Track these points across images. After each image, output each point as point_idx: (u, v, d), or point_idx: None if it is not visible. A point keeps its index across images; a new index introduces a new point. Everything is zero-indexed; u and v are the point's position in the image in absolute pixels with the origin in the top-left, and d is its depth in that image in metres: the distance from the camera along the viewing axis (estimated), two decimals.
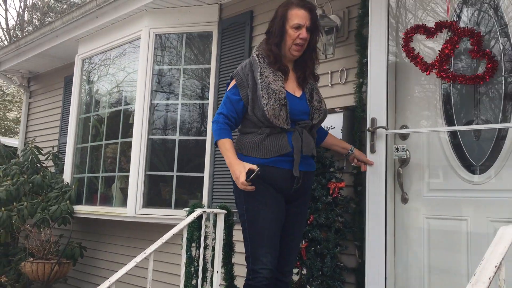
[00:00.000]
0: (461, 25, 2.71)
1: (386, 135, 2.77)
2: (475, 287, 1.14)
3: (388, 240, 2.74)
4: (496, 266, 1.20)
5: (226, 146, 2.29)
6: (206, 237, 2.61)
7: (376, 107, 2.81)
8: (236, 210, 3.14)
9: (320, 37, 2.60)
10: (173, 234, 2.27)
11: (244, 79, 2.34)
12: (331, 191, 2.84)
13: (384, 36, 2.87)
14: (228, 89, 2.42)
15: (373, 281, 2.73)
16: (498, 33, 2.62)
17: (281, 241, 2.32)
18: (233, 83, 2.40)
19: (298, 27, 2.33)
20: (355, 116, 3.02)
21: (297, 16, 2.33)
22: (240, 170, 2.19)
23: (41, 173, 5.39)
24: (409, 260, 2.79)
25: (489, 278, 1.16)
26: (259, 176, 2.19)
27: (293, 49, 2.36)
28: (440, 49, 2.68)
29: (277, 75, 2.34)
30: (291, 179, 2.29)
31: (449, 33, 2.68)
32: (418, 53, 2.76)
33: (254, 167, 2.20)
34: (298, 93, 2.41)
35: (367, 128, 2.82)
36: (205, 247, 2.63)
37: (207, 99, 4.22)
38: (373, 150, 2.80)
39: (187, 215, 2.50)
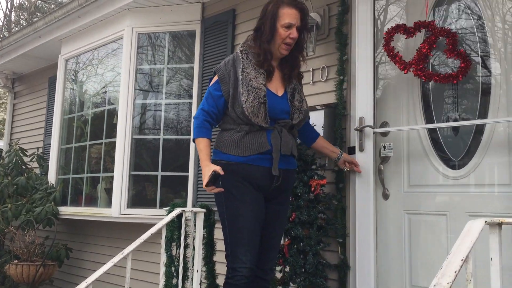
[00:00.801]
0: (438, 23, 2.73)
1: (374, 133, 2.86)
2: (441, 280, 1.15)
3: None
4: (462, 260, 1.21)
5: (200, 146, 2.29)
6: (187, 236, 2.61)
7: (364, 107, 2.90)
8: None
9: (309, 36, 2.61)
10: (152, 234, 2.26)
11: (226, 75, 2.32)
12: (312, 188, 2.84)
13: (370, 37, 2.93)
14: (210, 84, 2.41)
15: (362, 278, 2.77)
16: (475, 31, 2.64)
17: (261, 239, 2.32)
18: (215, 78, 2.38)
19: (288, 26, 2.31)
20: (336, 113, 3.03)
21: (289, 15, 2.31)
22: (205, 173, 2.20)
23: (25, 174, 5.34)
24: (391, 255, 2.80)
25: (455, 272, 1.16)
26: (237, 175, 2.21)
27: (282, 48, 2.35)
28: (418, 48, 2.70)
29: (259, 72, 2.32)
30: (270, 177, 2.28)
31: (427, 33, 2.70)
32: (398, 52, 2.78)
33: (218, 169, 2.17)
34: (280, 92, 2.39)
35: (355, 127, 2.89)
36: (186, 246, 2.62)
37: (191, 98, 4.20)
38: (361, 149, 2.87)
39: (167, 215, 2.49)
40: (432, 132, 2.74)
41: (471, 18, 2.67)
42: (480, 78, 2.60)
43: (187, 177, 4.11)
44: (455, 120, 2.67)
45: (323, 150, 2.75)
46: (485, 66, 2.59)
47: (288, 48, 2.36)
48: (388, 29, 2.81)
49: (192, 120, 4.09)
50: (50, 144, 5.58)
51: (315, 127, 2.84)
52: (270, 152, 2.28)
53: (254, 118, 2.24)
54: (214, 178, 2.16)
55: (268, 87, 2.34)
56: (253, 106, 2.23)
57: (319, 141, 2.71)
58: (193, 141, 2.36)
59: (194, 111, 4.13)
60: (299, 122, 2.40)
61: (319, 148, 2.74)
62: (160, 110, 4.38)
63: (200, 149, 2.29)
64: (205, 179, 2.17)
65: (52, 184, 5.27)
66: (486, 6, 2.61)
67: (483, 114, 2.57)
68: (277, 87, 2.39)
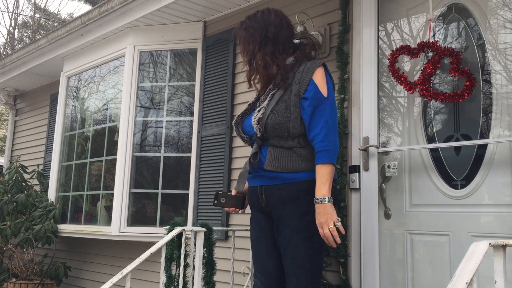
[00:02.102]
0: (440, 42, 2.74)
1: (378, 153, 2.88)
2: None
3: None
4: (466, 283, 1.19)
5: None
6: (187, 255, 2.58)
7: (368, 126, 2.92)
8: (218, 228, 3.14)
9: (263, 41, 2.32)
10: (151, 253, 2.23)
11: None
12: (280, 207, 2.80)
13: (374, 59, 2.97)
14: None
15: None
16: (476, 50, 2.65)
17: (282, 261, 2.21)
18: None
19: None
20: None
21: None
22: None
23: (25, 192, 5.32)
24: (394, 275, 2.77)
25: None
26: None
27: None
28: (422, 68, 2.71)
29: (257, 93, 2.37)
30: (256, 195, 2.23)
31: (431, 53, 2.71)
32: (403, 73, 2.80)
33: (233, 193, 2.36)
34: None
35: (359, 147, 2.89)
36: (186, 266, 2.59)
37: (192, 115, 4.21)
38: (366, 168, 2.87)
39: (167, 234, 2.46)
40: (433, 151, 2.73)
41: (472, 36, 2.68)
42: (482, 96, 2.59)
43: (187, 195, 4.09)
44: (457, 139, 2.66)
45: None
46: (487, 84, 2.59)
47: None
48: (392, 50, 2.83)
49: (194, 139, 4.10)
50: (50, 161, 5.57)
51: None
52: (257, 169, 2.23)
53: (242, 138, 2.34)
54: (215, 197, 2.35)
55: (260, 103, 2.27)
56: (234, 125, 2.34)
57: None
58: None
59: (195, 129, 4.13)
60: (266, 132, 2.14)
61: None
62: (161, 127, 4.38)
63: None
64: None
65: (52, 202, 5.24)
66: (485, 27, 2.63)
67: (485, 132, 2.56)
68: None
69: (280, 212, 2.13)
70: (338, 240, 1.98)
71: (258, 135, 2.17)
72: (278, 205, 2.13)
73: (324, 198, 1.98)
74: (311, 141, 2.10)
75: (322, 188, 1.99)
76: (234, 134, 2.63)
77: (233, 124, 2.36)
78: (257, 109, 2.20)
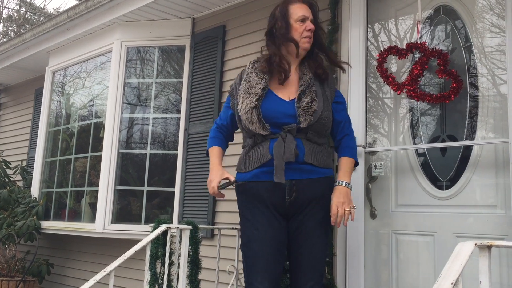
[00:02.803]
0: (428, 43, 2.75)
1: (365, 153, 2.87)
2: None
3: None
4: (452, 283, 1.19)
5: (212, 152, 2.32)
6: (172, 253, 2.56)
7: (355, 127, 2.88)
8: (204, 226, 3.11)
9: (324, 34, 2.45)
10: (136, 251, 2.21)
11: (234, 88, 2.33)
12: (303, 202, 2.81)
13: (363, 60, 2.99)
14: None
15: None
16: (463, 52, 2.67)
17: (291, 260, 2.16)
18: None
19: (303, 20, 2.23)
20: None
21: (300, 9, 2.25)
22: (215, 175, 2.20)
23: (8, 187, 5.24)
24: (378, 275, 2.78)
25: None
26: (248, 195, 2.17)
27: (303, 41, 2.22)
28: (410, 69, 2.72)
29: (261, 77, 2.20)
30: (280, 191, 2.09)
31: (419, 54, 2.72)
32: (391, 73, 2.81)
33: (232, 178, 2.18)
34: (293, 96, 2.19)
35: None
36: (171, 264, 2.57)
37: (179, 112, 4.18)
38: None
39: (152, 231, 2.44)
40: (420, 151, 2.75)
41: (459, 39, 2.70)
42: (468, 98, 2.61)
43: (173, 192, 4.06)
44: (443, 140, 2.68)
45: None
46: (473, 86, 2.61)
47: (308, 41, 2.24)
48: (381, 50, 2.84)
49: (181, 136, 4.07)
50: (34, 156, 5.49)
51: None
52: (271, 162, 2.09)
53: (250, 126, 2.12)
54: (227, 185, 2.19)
55: (276, 91, 2.20)
56: (246, 112, 2.12)
57: (339, 162, 2.30)
58: (207, 155, 2.38)
59: (182, 126, 4.10)
60: (312, 126, 2.12)
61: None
62: (148, 124, 4.34)
63: (211, 154, 2.32)
64: (214, 181, 2.18)
65: (35, 198, 5.17)
66: (472, 30, 2.65)
67: (471, 134, 2.58)
68: (290, 92, 2.21)
69: (308, 205, 2.13)
70: (346, 223, 2.16)
71: (302, 126, 2.10)
72: (310, 199, 2.13)
73: (349, 184, 2.19)
74: (341, 139, 2.30)
75: (348, 176, 2.22)
76: None
77: (247, 108, 2.12)
78: (305, 100, 2.13)
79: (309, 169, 2.13)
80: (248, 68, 2.30)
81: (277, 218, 2.12)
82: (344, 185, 2.17)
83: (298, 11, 2.25)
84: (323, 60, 2.36)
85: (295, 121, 2.12)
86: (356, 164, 2.32)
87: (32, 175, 5.50)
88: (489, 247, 1.36)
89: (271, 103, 2.16)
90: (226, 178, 2.20)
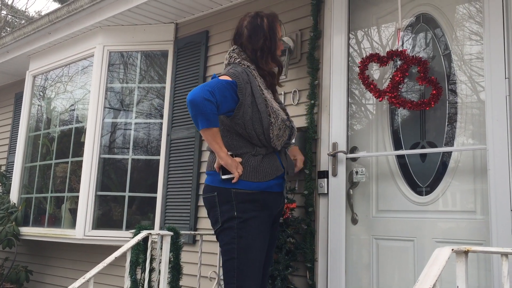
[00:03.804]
0: (408, 50, 2.79)
1: (346, 159, 2.90)
2: None
3: None
4: None
5: (219, 136, 2.08)
6: (153, 260, 2.53)
7: (337, 132, 2.95)
8: (185, 232, 3.08)
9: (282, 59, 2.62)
10: (116, 258, 2.19)
11: (244, 86, 2.11)
12: (282, 212, 2.82)
13: (344, 67, 3.01)
14: (225, 81, 2.10)
15: None
16: (442, 59, 2.71)
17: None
18: (225, 77, 2.12)
19: (280, 40, 2.36)
20: (307, 137, 3.04)
21: (280, 30, 2.36)
22: (235, 160, 2.09)
23: None
24: (359, 280, 2.79)
25: None
26: (258, 204, 2.14)
27: (279, 60, 2.35)
28: (391, 77, 2.76)
29: (269, 93, 2.29)
30: (280, 202, 2.28)
31: (400, 61, 2.76)
32: (373, 80, 2.83)
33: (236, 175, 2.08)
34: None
35: (328, 152, 2.91)
36: (152, 270, 2.54)
37: (162, 117, 4.16)
38: (334, 174, 2.90)
39: (133, 237, 2.42)
40: (400, 157, 2.78)
41: (438, 45, 2.74)
42: (447, 105, 2.66)
43: (155, 198, 4.03)
44: (423, 146, 2.71)
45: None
46: (452, 93, 2.65)
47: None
48: (362, 58, 2.87)
49: (163, 141, 4.05)
50: (13, 161, 5.41)
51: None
52: (282, 175, 2.24)
53: (275, 141, 2.16)
54: (229, 179, 2.10)
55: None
56: (280, 129, 2.17)
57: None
58: (203, 129, 2.04)
59: (164, 131, 4.08)
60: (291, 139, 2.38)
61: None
62: (130, 129, 4.31)
63: (217, 139, 2.07)
64: (237, 170, 2.06)
65: (14, 204, 5.08)
66: (452, 38, 2.69)
67: (450, 140, 2.62)
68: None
69: (279, 215, 2.35)
70: None
71: (292, 141, 2.35)
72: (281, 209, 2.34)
73: None
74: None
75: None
76: (203, 138, 2.40)
77: (282, 125, 2.20)
78: (285, 115, 2.32)
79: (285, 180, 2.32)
80: (254, 75, 2.20)
81: (269, 227, 2.22)
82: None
83: (280, 31, 2.35)
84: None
85: (288, 138, 2.30)
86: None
87: (11, 181, 5.41)
88: (466, 253, 1.37)
89: None
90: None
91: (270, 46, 2.25)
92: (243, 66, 2.21)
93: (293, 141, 2.92)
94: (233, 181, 2.09)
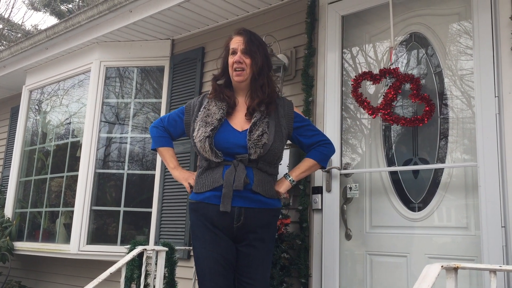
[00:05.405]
0: (401, 68, 2.85)
1: (340, 174, 2.92)
2: None
3: None
4: None
5: (168, 153, 2.43)
6: (147, 275, 2.54)
7: None
8: (180, 248, 3.09)
9: (266, 61, 2.36)
10: (111, 273, 2.19)
11: (192, 108, 2.38)
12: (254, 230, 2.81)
13: (338, 84, 3.05)
14: (178, 108, 2.48)
15: None
16: (434, 77, 2.77)
17: (239, 284, 2.22)
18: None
19: (233, 53, 2.28)
20: (301, 153, 3.07)
21: (233, 42, 2.30)
22: (188, 174, 2.37)
23: None
24: None
25: None
26: (198, 214, 2.24)
27: (233, 75, 2.28)
28: (384, 94, 2.80)
29: (220, 107, 2.29)
30: (229, 216, 2.17)
31: (392, 79, 2.81)
32: (366, 97, 2.88)
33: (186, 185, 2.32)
34: (246, 126, 2.26)
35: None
36: (147, 286, 2.55)
37: None
38: (328, 189, 2.92)
39: (128, 253, 2.43)
40: (393, 173, 2.81)
41: (430, 64, 2.80)
42: (439, 121, 2.70)
43: (150, 213, 4.04)
44: (415, 163, 2.75)
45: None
46: (445, 109, 2.70)
47: (238, 73, 2.26)
48: (355, 76, 2.92)
49: (159, 157, 4.07)
50: (8, 176, 5.40)
51: (280, 166, 2.86)
52: (221, 188, 2.18)
53: (203, 153, 2.22)
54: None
55: (231, 121, 2.28)
56: (200, 140, 2.21)
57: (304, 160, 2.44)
58: (154, 150, 2.45)
59: None
60: (262, 157, 2.20)
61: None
62: (126, 143, 4.33)
63: (167, 156, 2.42)
64: (189, 179, 2.32)
65: (9, 218, 5.06)
66: (443, 56, 2.75)
67: (443, 157, 2.66)
68: (242, 122, 2.28)
69: (257, 233, 2.23)
70: None
71: (253, 157, 2.19)
72: (257, 227, 2.23)
73: (293, 180, 2.36)
74: (316, 144, 2.38)
75: (297, 173, 2.37)
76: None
77: (202, 137, 2.21)
78: (255, 132, 2.20)
79: (258, 199, 2.23)
80: (209, 95, 2.38)
81: (224, 239, 2.21)
82: (287, 178, 2.35)
83: (231, 45, 2.32)
84: (272, 88, 2.34)
85: (246, 152, 2.21)
86: (322, 167, 2.41)
87: (5, 195, 5.39)
88: (456, 269, 1.40)
89: (225, 134, 2.24)
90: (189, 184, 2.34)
91: (221, 64, 2.39)
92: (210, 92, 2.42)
93: (287, 162, 2.92)
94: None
